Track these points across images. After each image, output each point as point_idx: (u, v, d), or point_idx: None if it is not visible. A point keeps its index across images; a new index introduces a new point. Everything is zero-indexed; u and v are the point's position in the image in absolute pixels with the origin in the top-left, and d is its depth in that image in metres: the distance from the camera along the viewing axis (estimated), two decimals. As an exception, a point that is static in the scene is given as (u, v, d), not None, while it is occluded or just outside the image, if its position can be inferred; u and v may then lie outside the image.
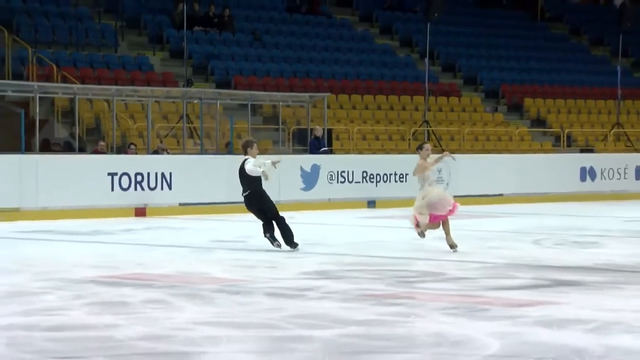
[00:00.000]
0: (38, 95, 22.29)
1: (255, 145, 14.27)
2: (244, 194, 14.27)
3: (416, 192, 14.34)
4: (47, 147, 23.76)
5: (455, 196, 14.98)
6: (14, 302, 9.46)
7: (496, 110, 34.95)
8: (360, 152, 28.06)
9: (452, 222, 14.28)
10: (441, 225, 14.10)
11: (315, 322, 8.47)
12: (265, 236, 14.22)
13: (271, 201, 14.39)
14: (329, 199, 23.79)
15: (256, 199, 14.20)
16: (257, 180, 14.15)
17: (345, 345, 7.61)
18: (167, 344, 7.60)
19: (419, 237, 14.24)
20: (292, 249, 14.01)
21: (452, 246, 13.93)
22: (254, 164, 14.03)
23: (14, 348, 7.32)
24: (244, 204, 14.57)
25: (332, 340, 7.74)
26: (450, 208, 14.03)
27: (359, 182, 24.32)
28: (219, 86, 30.08)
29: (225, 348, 7.43)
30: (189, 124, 25.71)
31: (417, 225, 14.12)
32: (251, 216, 14.64)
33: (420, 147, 14.36)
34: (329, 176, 23.85)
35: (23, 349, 7.28)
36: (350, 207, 23.48)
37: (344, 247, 14.94)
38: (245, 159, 14.10)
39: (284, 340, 7.72)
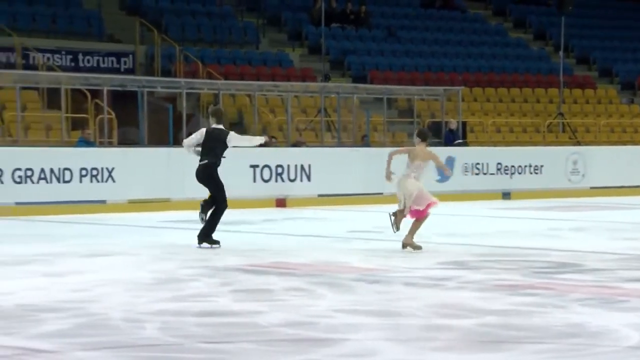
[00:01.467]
0: (185, 91, 22.71)
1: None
2: (209, 162, 13.15)
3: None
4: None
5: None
6: (165, 288, 9.65)
7: (632, 102, 34.05)
8: (495, 145, 27.69)
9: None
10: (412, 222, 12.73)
11: (453, 311, 8.40)
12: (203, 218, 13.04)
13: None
14: (464, 191, 23.55)
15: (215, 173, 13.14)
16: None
17: (484, 335, 7.52)
18: (309, 330, 7.65)
19: (395, 230, 12.87)
20: (200, 245, 12.90)
21: (409, 246, 12.62)
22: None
23: (166, 332, 7.47)
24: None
25: (470, 329, 7.67)
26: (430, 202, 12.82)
27: (494, 174, 24.02)
28: (355, 80, 30.14)
29: (366, 335, 7.43)
30: (326, 117, 25.83)
31: (397, 218, 12.81)
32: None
33: (424, 134, 12.99)
34: (464, 168, 23.62)
35: (174, 333, 7.43)
36: (485, 198, 23.21)
37: (479, 237, 14.78)
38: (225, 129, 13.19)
39: (423, 329, 7.67)
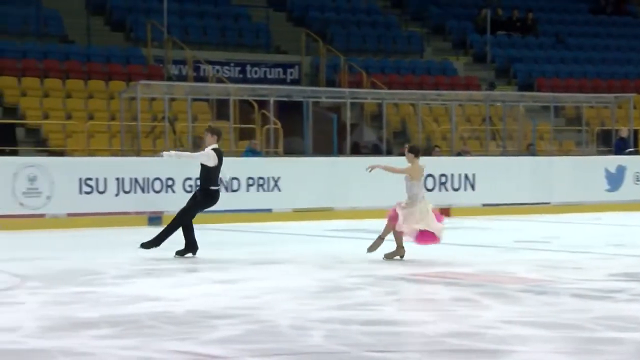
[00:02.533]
0: (349, 101, 22.88)
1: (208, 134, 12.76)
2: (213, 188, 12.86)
3: None
4: (356, 149, 24.36)
5: None
6: (331, 296, 9.75)
7: None
8: (668, 153, 26.82)
9: None
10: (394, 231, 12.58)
11: (625, 324, 8.18)
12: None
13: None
14: (635, 200, 22.89)
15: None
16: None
17: (657, 349, 7.30)
18: (476, 341, 7.58)
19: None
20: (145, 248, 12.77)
21: (373, 249, 12.66)
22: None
23: (332, 340, 7.54)
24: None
25: (642, 343, 7.46)
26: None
27: (668, 183, 23.28)
28: (521, 88, 29.74)
29: (534, 347, 7.32)
30: (491, 126, 25.56)
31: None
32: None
33: (419, 152, 12.77)
34: (635, 177, 22.97)
35: (340, 341, 7.49)
36: (657, 208, 22.55)
37: (651, 249, 14.33)
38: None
39: (592, 342, 7.51)
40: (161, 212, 18.52)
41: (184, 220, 12.84)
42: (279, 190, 19.50)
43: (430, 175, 21.00)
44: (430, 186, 20.97)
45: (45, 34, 25.95)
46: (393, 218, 12.53)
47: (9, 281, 10.76)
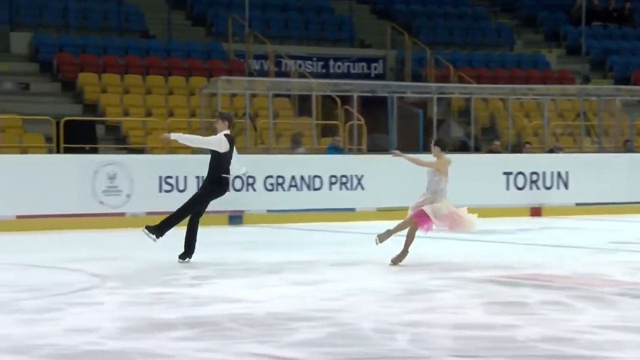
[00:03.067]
0: (436, 96, 22.75)
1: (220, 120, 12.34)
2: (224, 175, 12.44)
3: None
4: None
5: None
6: (415, 299, 9.68)
7: None
8: None
9: None
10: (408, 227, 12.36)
11: None
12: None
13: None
14: None
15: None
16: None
17: None
18: (569, 346, 7.45)
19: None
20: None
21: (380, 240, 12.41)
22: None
23: (416, 344, 7.49)
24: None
25: None
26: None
27: None
28: (617, 82, 29.25)
29: (631, 354, 7.17)
30: (586, 121, 25.19)
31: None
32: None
33: (446, 145, 12.77)
34: None
35: (424, 345, 7.43)
36: None
37: None
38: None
39: (693, 349, 7.32)
40: (242, 211, 18.64)
41: (193, 209, 12.46)
42: (363, 188, 19.46)
43: (520, 173, 20.77)
44: (520, 184, 20.75)
45: (126, 29, 26.34)
46: (418, 216, 12.30)
47: (88, 281, 10.92)
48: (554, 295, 9.89)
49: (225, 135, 12.35)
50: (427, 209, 12.19)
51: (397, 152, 13.20)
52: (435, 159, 12.39)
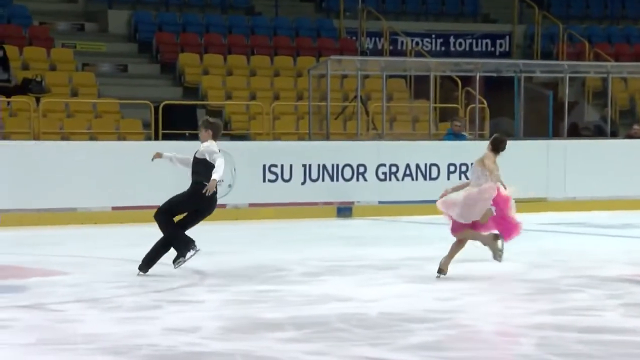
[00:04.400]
0: (568, 76, 22.45)
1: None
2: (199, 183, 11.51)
3: None
4: (575, 131, 23.89)
5: None
6: (545, 299, 9.63)
7: None
8: None
9: None
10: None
11: None
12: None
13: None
14: None
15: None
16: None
17: None
18: None
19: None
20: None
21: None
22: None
23: (543, 349, 7.45)
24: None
25: None
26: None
27: None
28: None
29: None
30: None
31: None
32: None
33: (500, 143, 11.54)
34: None
35: (553, 350, 7.39)
36: None
37: None
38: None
39: None
40: (351, 203, 18.71)
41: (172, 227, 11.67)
42: (485, 178, 19.32)
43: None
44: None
45: (229, 6, 26.63)
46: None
47: (188, 278, 11.12)
48: (700, 296, 9.73)
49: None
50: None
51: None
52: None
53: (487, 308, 9.17)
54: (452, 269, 11.32)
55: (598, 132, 24.05)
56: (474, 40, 27.62)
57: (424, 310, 9.08)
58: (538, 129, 22.04)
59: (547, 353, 7.32)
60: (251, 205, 18.27)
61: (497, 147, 11.62)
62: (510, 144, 21.08)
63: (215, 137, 11.73)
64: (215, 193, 11.46)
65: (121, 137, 20.53)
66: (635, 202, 19.92)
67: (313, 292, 10.17)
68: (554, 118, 22.04)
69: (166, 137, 19.91)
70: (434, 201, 18.81)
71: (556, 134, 21.97)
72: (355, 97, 21.43)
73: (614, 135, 23.30)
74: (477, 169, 11.43)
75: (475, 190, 11.18)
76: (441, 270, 11.01)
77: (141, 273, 11.28)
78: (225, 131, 22.10)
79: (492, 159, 11.45)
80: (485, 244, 11.15)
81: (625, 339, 7.83)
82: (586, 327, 8.24)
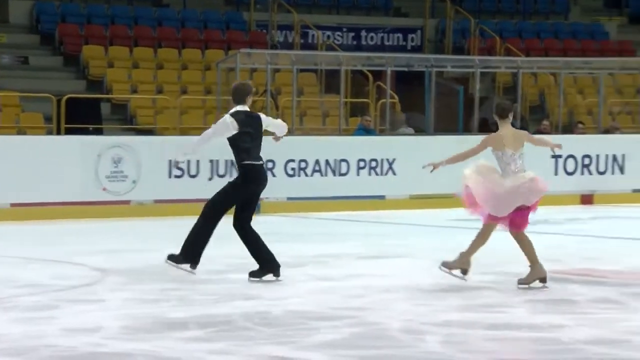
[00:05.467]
0: (479, 71, 22.67)
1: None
2: (259, 163, 11.04)
3: None
4: (485, 126, 24.13)
5: None
6: (452, 296, 9.71)
7: None
8: None
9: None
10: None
11: None
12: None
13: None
14: None
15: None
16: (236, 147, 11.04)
17: None
18: (622, 349, 7.48)
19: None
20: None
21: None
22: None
23: (450, 346, 7.52)
24: None
25: None
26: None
27: None
28: (686, 54, 29.07)
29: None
30: (646, 98, 25.09)
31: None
32: None
33: (510, 110, 10.81)
34: None
35: (460, 347, 7.46)
36: None
37: None
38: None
39: None
40: (259, 199, 18.65)
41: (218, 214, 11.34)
42: (394, 174, 19.44)
43: (571, 156, 20.67)
44: (571, 169, 20.66)
45: (136, -4, 26.44)
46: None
47: (89, 276, 11.02)
48: (607, 292, 9.91)
49: (233, 113, 11.01)
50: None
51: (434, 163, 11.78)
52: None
53: (394, 305, 9.22)
54: (361, 266, 11.38)
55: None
56: (386, 35, 27.77)
57: (330, 308, 9.10)
58: (449, 124, 22.24)
59: (454, 350, 7.39)
60: (157, 201, 18.15)
61: (501, 113, 10.74)
62: (420, 139, 21.51)
63: (235, 102, 10.94)
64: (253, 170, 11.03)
65: (21, 131, 20.26)
66: (545, 198, 20.13)
67: (218, 290, 10.15)
68: (465, 113, 22.25)
69: (69, 131, 19.71)
70: (344, 197, 19.08)
71: (467, 129, 22.17)
72: (265, 91, 21.41)
73: (524, 130, 23.56)
74: (497, 153, 10.59)
75: (523, 181, 10.47)
76: (465, 271, 10.39)
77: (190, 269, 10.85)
78: (130, 125, 21.98)
79: (510, 130, 10.66)
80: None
81: (532, 335, 7.93)
82: (493, 324, 8.33)
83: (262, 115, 11.20)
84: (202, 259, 10.93)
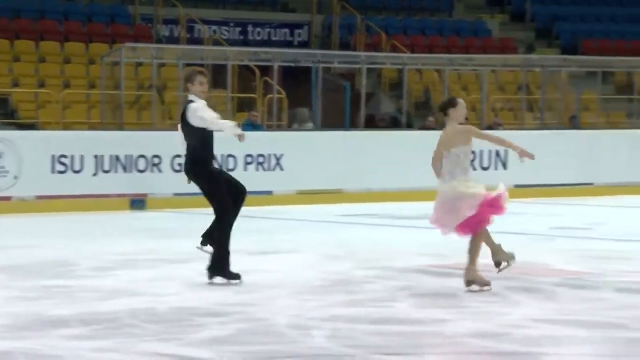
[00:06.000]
0: (365, 67, 22.84)
1: (201, 78, 10.31)
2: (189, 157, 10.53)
3: None
4: (372, 122, 24.33)
5: None
6: (337, 291, 9.77)
7: None
8: None
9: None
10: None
11: (675, 324, 8.19)
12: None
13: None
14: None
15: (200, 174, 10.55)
16: (208, 138, 10.36)
17: None
18: (502, 342, 7.60)
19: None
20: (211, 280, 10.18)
21: (474, 283, 9.73)
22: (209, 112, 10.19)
23: (336, 341, 7.56)
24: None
25: (694, 346, 7.46)
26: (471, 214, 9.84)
27: None
28: (564, 52, 29.62)
29: (570, 350, 7.34)
30: (528, 95, 25.50)
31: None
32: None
33: (449, 105, 10.00)
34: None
35: (346, 342, 7.51)
36: None
37: None
38: (190, 101, 10.35)
39: (637, 344, 7.51)
40: (145, 195, 18.56)
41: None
42: (282, 169, 19.50)
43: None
44: (454, 165, 20.94)
45: (18, -12, 26.02)
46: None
47: (-30, 273, 10.83)
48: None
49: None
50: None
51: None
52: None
53: (281, 301, 9.25)
54: (248, 262, 11.36)
55: (394, 124, 24.57)
56: (272, 30, 27.78)
57: (216, 304, 9.09)
58: (336, 120, 22.36)
59: (340, 345, 7.44)
60: (39, 197, 17.90)
61: (443, 108, 10.10)
62: (307, 134, 21.56)
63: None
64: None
65: None
66: (430, 194, 20.37)
67: (103, 287, 10.05)
68: (351, 109, 22.39)
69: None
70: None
71: (353, 125, 22.31)
72: (151, 85, 21.27)
73: (409, 126, 23.84)
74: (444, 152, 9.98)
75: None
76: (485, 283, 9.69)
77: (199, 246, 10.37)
78: (11, 120, 21.62)
79: (454, 127, 9.95)
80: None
81: (416, 330, 8.03)
82: (378, 319, 8.40)
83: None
84: (87, 255, 10.84)
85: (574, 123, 24.00)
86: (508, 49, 28.94)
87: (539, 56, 26.90)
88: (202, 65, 24.07)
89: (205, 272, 10.21)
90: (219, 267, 10.17)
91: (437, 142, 10.14)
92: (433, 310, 8.82)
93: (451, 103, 10.12)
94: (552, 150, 21.56)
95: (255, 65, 23.18)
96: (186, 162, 10.64)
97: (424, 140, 21.26)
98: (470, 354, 7.28)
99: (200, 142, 10.41)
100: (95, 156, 17.90)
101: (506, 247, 12.09)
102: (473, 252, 9.85)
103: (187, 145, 10.49)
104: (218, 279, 10.11)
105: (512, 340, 7.66)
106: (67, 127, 20.75)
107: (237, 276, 10.09)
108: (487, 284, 9.71)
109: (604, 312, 8.71)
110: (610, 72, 28.10)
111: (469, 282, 9.68)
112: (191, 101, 10.36)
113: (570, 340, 7.65)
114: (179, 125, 10.59)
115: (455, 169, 10.00)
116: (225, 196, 10.62)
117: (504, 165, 21.36)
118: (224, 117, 22.71)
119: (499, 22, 31.16)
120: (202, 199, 16.67)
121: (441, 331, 7.91)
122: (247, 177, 19.16)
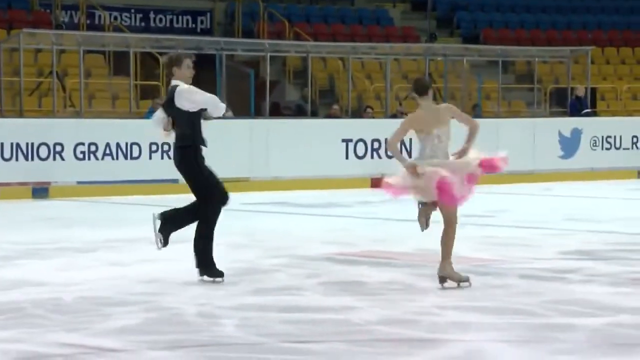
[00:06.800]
0: (269, 55, 22.82)
1: (189, 61, 10.07)
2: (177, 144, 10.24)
3: None
4: (277, 110, 24.33)
5: None
6: (245, 280, 9.75)
7: None
8: (630, 114, 27.29)
9: None
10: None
11: (579, 308, 8.32)
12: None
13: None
14: (592, 168, 23.28)
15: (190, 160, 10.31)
16: (197, 124, 10.15)
17: (615, 336, 7.44)
18: (410, 329, 7.66)
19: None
20: (201, 277, 9.68)
21: (450, 279, 9.32)
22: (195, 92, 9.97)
23: (246, 330, 7.56)
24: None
25: (599, 329, 7.59)
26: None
27: (628, 149, 23.69)
28: (465, 41, 29.95)
29: (476, 336, 7.42)
30: (431, 83, 25.69)
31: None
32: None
33: (421, 90, 9.69)
34: (592, 142, 23.36)
35: (255, 331, 7.50)
36: (617, 177, 22.95)
37: (611, 223, 14.59)
38: (176, 85, 10.03)
39: (542, 329, 7.62)
40: (48, 183, 18.34)
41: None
42: (188, 157, 19.38)
43: (361, 140, 21.07)
44: (361, 153, 21.05)
45: None
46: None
47: None
48: (396, 274, 10.12)
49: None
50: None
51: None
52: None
53: (189, 290, 9.21)
54: (154, 251, 11.27)
55: (299, 112, 24.61)
56: (175, 17, 27.61)
57: (124, 293, 9.02)
58: (240, 108, 22.31)
59: (248, 334, 7.43)
60: None
61: (417, 88, 9.76)
62: (213, 122, 21.31)
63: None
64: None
65: None
66: (336, 181, 20.53)
67: (7, 277, 9.91)
68: (256, 97, 22.35)
69: None
70: (135, 181, 18.89)
71: (258, 113, 22.29)
72: (51, 72, 21.00)
73: (314, 114, 23.90)
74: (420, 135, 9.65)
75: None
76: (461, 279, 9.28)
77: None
78: None
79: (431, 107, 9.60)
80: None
81: (324, 317, 8.05)
82: (287, 307, 8.41)
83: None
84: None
85: (476, 111, 24.25)
86: (410, 37, 29.17)
87: (441, 45, 27.14)
88: (103, 53, 24.02)
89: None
90: (207, 264, 9.71)
91: (405, 123, 9.94)
92: (341, 297, 8.86)
93: (430, 85, 9.89)
94: (453, 137, 21.79)
95: (158, 53, 23.00)
96: (175, 152, 10.32)
97: (329, 128, 21.50)
98: (378, 340, 7.32)
99: (190, 127, 10.17)
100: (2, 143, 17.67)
101: (413, 235, 12.21)
102: (448, 245, 9.51)
103: (176, 133, 10.17)
104: (205, 277, 9.64)
105: (420, 327, 7.72)
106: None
107: (221, 274, 9.63)
108: (464, 279, 9.27)
109: (509, 298, 8.82)
110: (511, 62, 28.48)
111: (442, 279, 9.29)
112: (177, 85, 10.02)
113: (476, 326, 7.74)
114: (157, 114, 10.24)
115: (436, 152, 9.79)
116: (213, 188, 10.34)
117: (410, 154, 21.48)
118: (126, 105, 22.61)
119: (401, 11, 31.37)
120: (107, 187, 16.51)
121: (349, 319, 7.94)
122: (152, 166, 19.13)
